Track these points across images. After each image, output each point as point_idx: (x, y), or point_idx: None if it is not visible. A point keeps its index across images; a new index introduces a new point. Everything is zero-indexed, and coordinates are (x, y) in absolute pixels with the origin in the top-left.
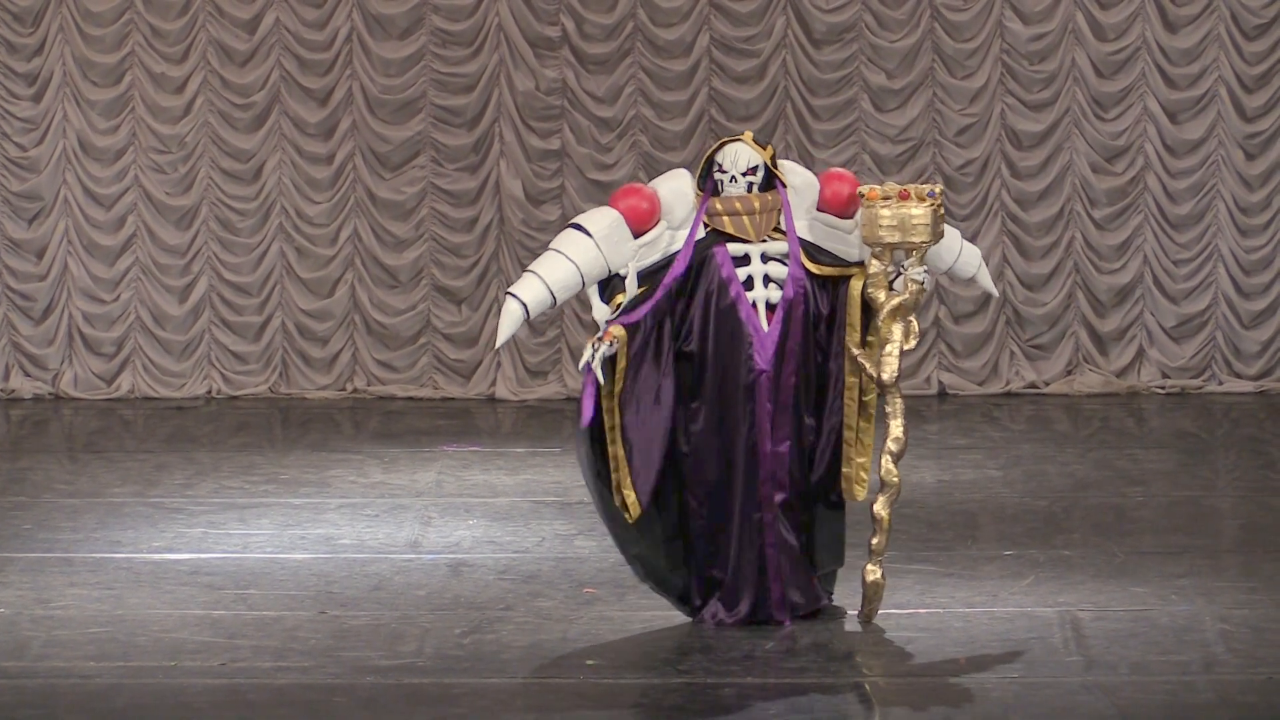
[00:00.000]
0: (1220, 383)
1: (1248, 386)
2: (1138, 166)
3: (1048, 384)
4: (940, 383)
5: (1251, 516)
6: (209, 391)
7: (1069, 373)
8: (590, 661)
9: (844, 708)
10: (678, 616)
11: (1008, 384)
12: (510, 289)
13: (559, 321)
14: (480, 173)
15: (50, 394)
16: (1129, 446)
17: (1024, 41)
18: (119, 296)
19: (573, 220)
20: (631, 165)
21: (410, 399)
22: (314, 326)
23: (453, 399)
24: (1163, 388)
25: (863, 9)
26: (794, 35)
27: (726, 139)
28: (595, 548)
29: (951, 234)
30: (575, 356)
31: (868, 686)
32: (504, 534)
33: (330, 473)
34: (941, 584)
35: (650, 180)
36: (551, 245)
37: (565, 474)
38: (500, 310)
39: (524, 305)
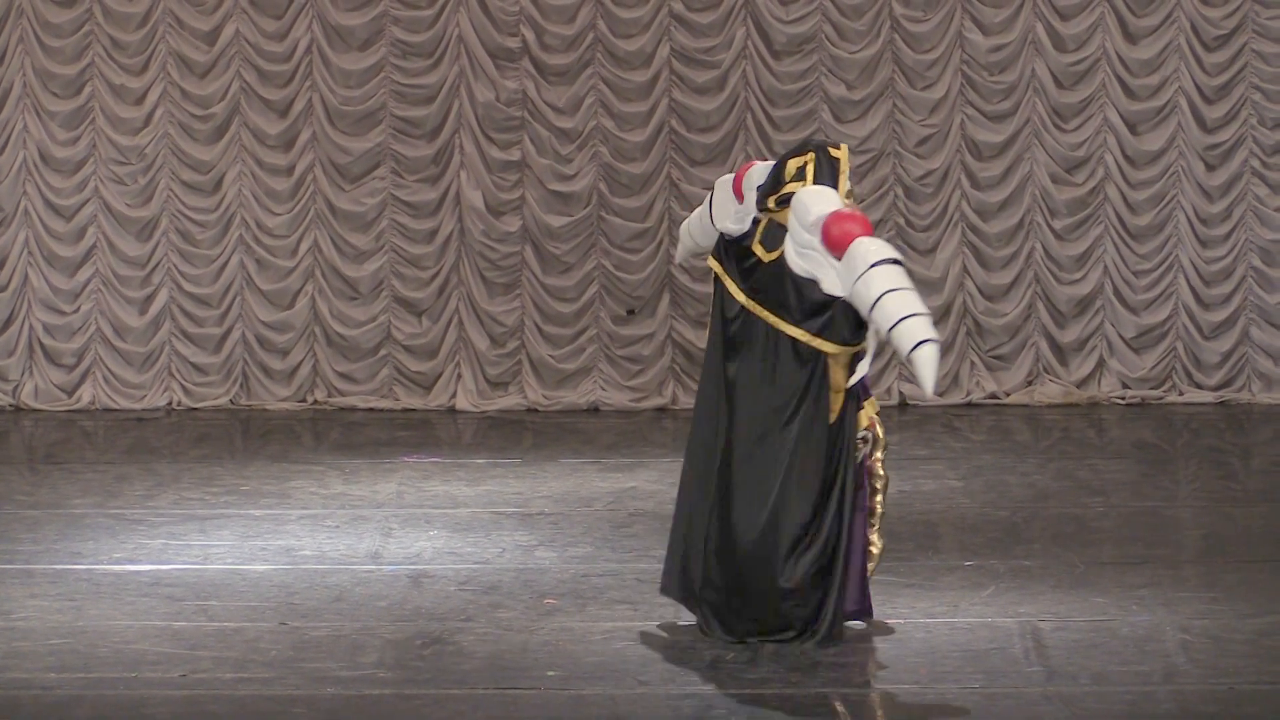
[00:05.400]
0: (1180, 393)
1: (1208, 397)
2: (1098, 177)
3: (1008, 394)
4: (901, 393)
5: (1212, 527)
6: (169, 403)
7: (1029, 383)
8: (551, 672)
9: (806, 719)
10: (639, 627)
11: (968, 395)
12: (925, 338)
13: (519, 333)
14: (440, 184)
15: (10, 405)
16: (1089, 457)
17: (984, 52)
18: (79, 308)
19: (889, 255)
20: (592, 176)
21: (371, 410)
22: (274, 338)
23: (413, 410)
24: (1123, 398)
25: (822, 20)
26: (754, 46)
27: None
28: (555, 559)
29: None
30: (535, 368)
31: (830, 697)
32: (465, 545)
33: (291, 484)
34: (902, 594)
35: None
36: (900, 285)
37: (526, 484)
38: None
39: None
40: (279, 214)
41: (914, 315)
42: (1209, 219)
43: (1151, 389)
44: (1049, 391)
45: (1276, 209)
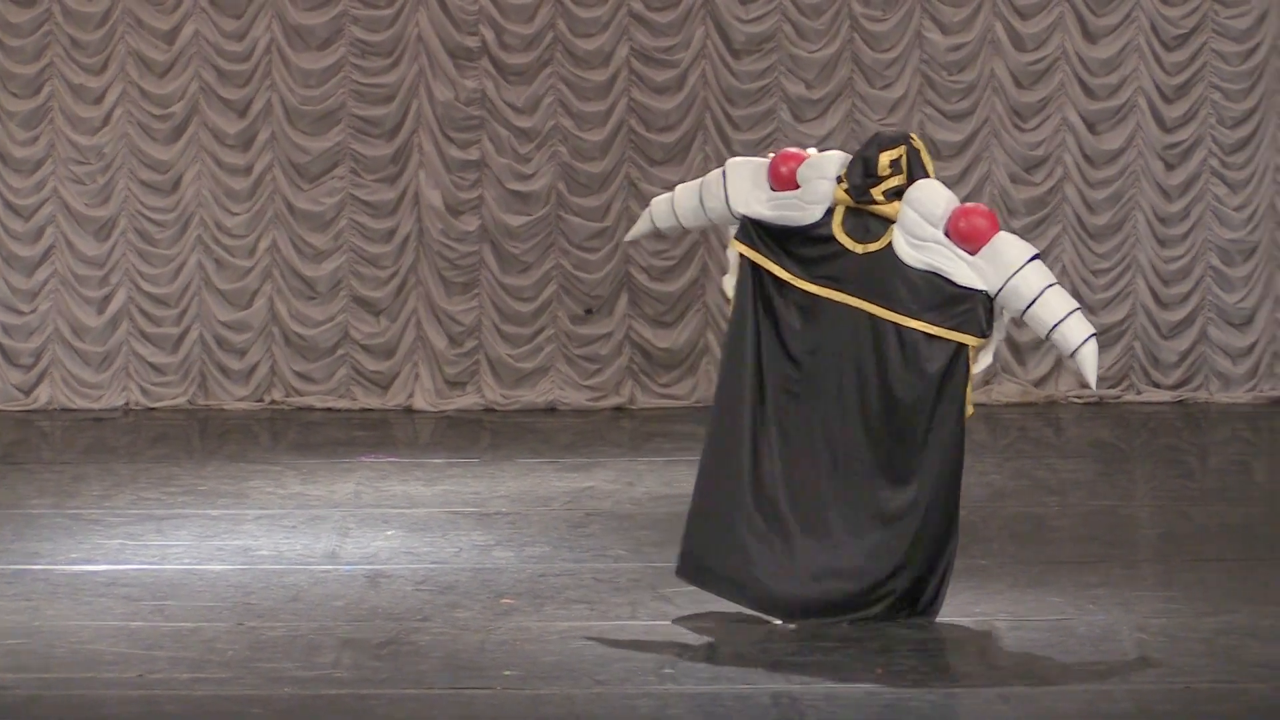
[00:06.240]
0: (1138, 392)
1: (1165, 396)
2: (1056, 177)
3: None
4: None
5: (1169, 526)
6: (127, 403)
7: (987, 382)
8: (508, 672)
9: (762, 718)
10: (596, 626)
11: None
12: (1090, 333)
13: (477, 332)
14: (399, 183)
15: None
16: (1047, 456)
17: (943, 52)
18: (37, 308)
19: (1034, 251)
20: (551, 175)
21: (328, 410)
22: (232, 338)
23: (371, 410)
24: (1080, 397)
25: (782, 19)
26: (713, 45)
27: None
28: (513, 558)
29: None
30: (493, 367)
31: (785, 697)
32: (422, 545)
33: (248, 484)
34: None
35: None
36: (1053, 280)
37: (483, 484)
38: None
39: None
40: (237, 214)
41: (1075, 311)
42: (1168, 218)
43: (1109, 388)
44: (1007, 391)
45: (1235, 208)
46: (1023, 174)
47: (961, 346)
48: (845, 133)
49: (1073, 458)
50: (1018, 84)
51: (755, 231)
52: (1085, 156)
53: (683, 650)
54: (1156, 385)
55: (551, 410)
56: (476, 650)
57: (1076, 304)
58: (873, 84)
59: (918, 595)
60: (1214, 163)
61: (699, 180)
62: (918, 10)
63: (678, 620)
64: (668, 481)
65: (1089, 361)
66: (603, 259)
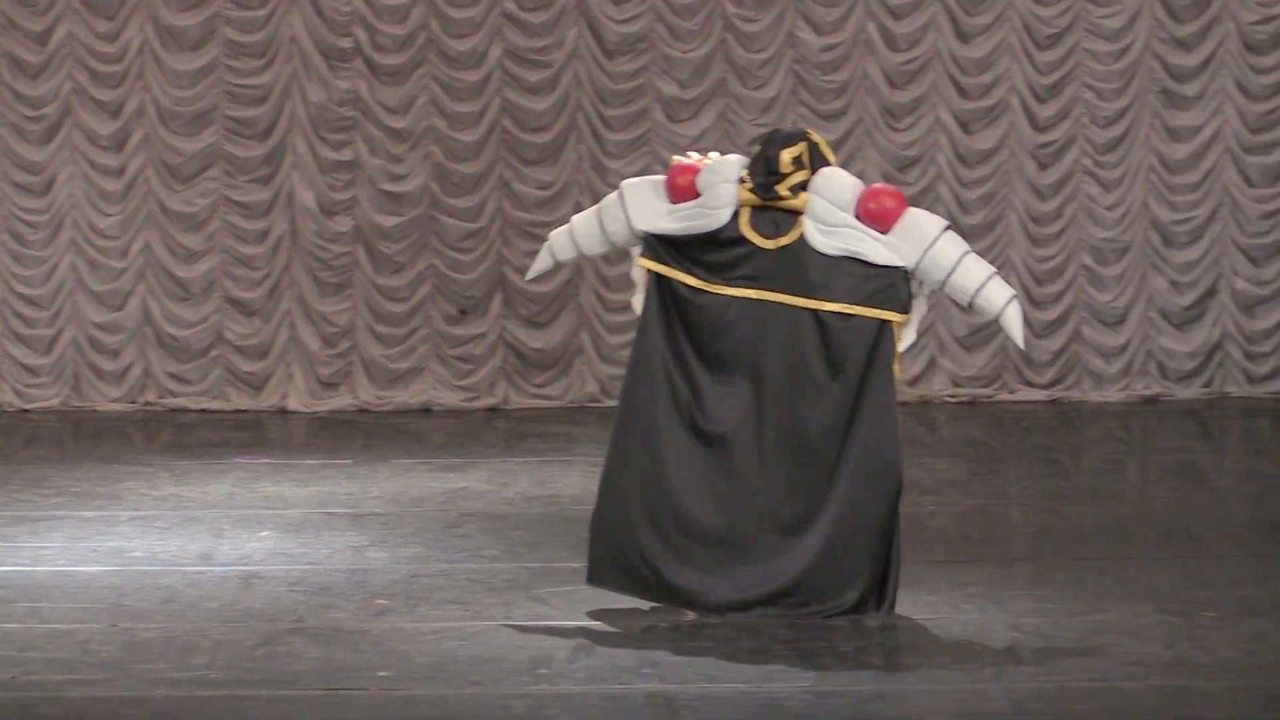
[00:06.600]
0: (1011, 391)
1: (1039, 395)
2: (930, 176)
3: None
4: None
5: (1042, 524)
6: (0, 405)
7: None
8: (383, 673)
9: (636, 718)
10: (470, 626)
11: None
12: (1012, 295)
13: (351, 333)
14: (272, 184)
15: None
16: (920, 455)
17: (816, 52)
18: None
19: (946, 222)
20: (424, 176)
21: (202, 411)
22: (105, 339)
23: (244, 411)
24: (954, 397)
25: (655, 20)
26: (586, 46)
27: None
28: (387, 559)
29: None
30: (367, 368)
31: (660, 696)
32: (296, 546)
33: (122, 485)
34: None
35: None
36: (967, 248)
37: (357, 485)
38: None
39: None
40: (111, 215)
41: (993, 275)
42: (1041, 218)
43: (982, 387)
44: None
45: (1108, 208)
46: (896, 174)
47: (885, 324)
48: (719, 133)
49: (946, 457)
50: (891, 84)
51: (660, 246)
52: (958, 156)
53: (557, 650)
54: (1030, 384)
55: (425, 411)
56: (351, 651)
57: (993, 268)
58: (746, 84)
59: (882, 592)
60: (1087, 162)
61: (595, 207)
62: (790, 10)
63: (552, 621)
64: (541, 482)
65: (1015, 322)
66: (476, 259)
